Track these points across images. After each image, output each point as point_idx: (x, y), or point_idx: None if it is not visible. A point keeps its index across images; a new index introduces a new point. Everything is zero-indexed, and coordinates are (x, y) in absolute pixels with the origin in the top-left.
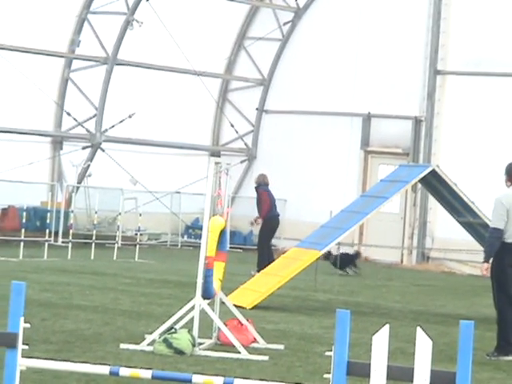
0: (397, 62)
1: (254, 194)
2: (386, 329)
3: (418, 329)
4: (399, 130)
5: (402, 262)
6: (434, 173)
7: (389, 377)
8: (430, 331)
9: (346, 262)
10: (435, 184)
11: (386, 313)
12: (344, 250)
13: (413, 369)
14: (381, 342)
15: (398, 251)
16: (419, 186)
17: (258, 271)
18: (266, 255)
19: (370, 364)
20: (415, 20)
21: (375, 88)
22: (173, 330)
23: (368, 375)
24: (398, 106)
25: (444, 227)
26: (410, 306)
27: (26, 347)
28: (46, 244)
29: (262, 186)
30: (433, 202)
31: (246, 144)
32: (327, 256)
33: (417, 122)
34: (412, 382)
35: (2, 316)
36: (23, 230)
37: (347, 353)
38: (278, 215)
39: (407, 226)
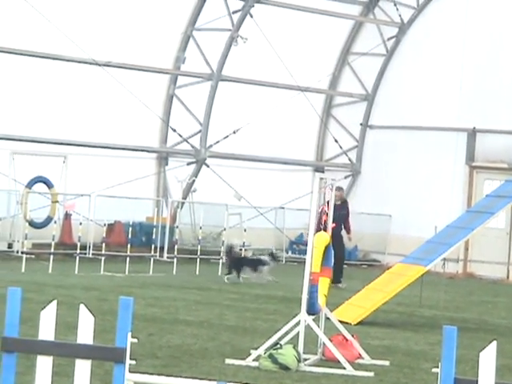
0: (502, 76)
1: (360, 209)
2: (493, 345)
3: None
4: (505, 144)
5: (507, 277)
6: None
7: None
8: None
9: (238, 265)
10: None
11: (492, 329)
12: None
13: None
14: (488, 358)
15: (504, 267)
16: None
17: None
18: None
19: (477, 381)
20: None
21: (480, 102)
22: (278, 346)
23: None
24: (504, 121)
25: None
26: None
27: (134, 362)
28: (152, 259)
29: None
30: None
31: (350, 159)
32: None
33: None
34: None
35: (109, 331)
36: (129, 246)
37: (454, 369)
38: None
39: None
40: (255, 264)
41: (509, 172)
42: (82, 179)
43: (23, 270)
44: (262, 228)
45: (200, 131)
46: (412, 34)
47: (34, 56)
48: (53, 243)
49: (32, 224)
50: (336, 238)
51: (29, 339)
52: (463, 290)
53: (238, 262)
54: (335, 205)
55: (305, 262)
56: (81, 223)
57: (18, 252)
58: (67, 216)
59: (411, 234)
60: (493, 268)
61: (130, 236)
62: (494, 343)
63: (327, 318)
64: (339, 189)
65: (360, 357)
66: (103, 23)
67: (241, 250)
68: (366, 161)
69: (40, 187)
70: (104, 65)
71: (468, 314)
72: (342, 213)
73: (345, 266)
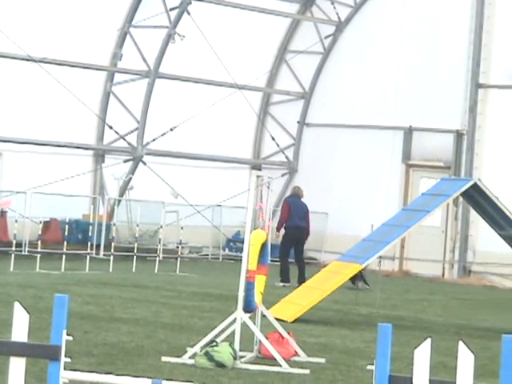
0: (438, 76)
1: None
2: (427, 343)
3: (460, 343)
4: (441, 143)
5: (443, 275)
6: (475, 186)
7: None
8: (471, 345)
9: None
10: (477, 198)
11: (427, 327)
12: None
13: (455, 383)
14: (423, 355)
15: (440, 265)
16: (461, 199)
17: (281, 281)
18: (285, 265)
19: (411, 378)
20: (457, 33)
21: (417, 101)
22: (214, 344)
23: None
24: (440, 120)
25: (486, 241)
26: (452, 320)
27: (69, 360)
28: (88, 257)
29: (287, 197)
30: (474, 215)
31: (287, 157)
32: None
33: (458, 135)
34: None
35: (45, 329)
36: (65, 243)
37: (389, 367)
38: (300, 226)
39: (449, 239)
40: None
41: (444, 170)
42: (17, 176)
43: None
44: (199, 226)
45: (137, 128)
46: (349, 32)
47: None
48: None
49: None
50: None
51: None
52: (399, 287)
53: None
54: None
55: (241, 260)
56: (16, 220)
57: None
58: (2, 213)
59: (348, 232)
60: (428, 266)
61: (66, 233)
62: (429, 340)
63: (263, 316)
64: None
65: (296, 354)
66: (39, 18)
67: (177, 247)
68: (303, 159)
69: None
70: (40, 61)
71: (404, 312)
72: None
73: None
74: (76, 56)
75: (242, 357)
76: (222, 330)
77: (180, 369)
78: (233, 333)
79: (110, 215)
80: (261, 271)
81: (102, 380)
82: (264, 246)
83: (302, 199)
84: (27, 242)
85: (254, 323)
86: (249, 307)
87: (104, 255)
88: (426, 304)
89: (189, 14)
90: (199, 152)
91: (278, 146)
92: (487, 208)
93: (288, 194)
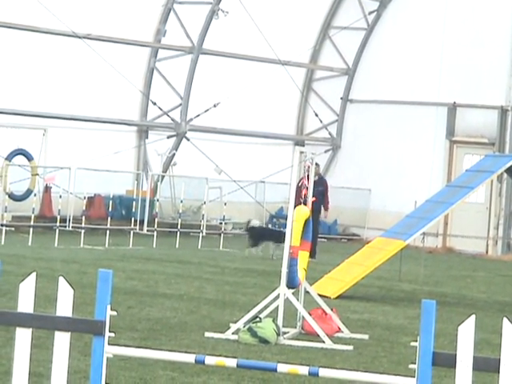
0: (483, 52)
1: (340, 184)
2: (471, 319)
3: (505, 319)
4: (485, 119)
5: (487, 252)
6: None
7: (474, 367)
8: None
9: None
10: None
11: (471, 303)
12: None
13: (499, 360)
14: (467, 332)
15: (484, 241)
16: (505, 176)
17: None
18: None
19: (455, 354)
20: (502, 10)
21: (461, 77)
22: (257, 319)
23: (454, 366)
24: (484, 96)
25: None
26: (496, 297)
27: (113, 335)
28: (132, 232)
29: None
30: None
31: (330, 133)
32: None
33: (503, 111)
34: (498, 372)
35: (89, 304)
36: (109, 219)
37: (433, 343)
38: None
39: (492, 216)
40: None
41: (488, 147)
42: (61, 152)
43: (3, 243)
44: (242, 202)
45: (180, 105)
46: (393, 8)
47: (13, 28)
48: (33, 216)
49: (12, 197)
50: (315, 213)
51: (8, 311)
52: (442, 264)
53: (259, 235)
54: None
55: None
56: (61, 196)
57: None
58: (47, 189)
59: (391, 208)
60: (472, 242)
61: (109, 209)
62: (473, 317)
63: (307, 292)
64: (315, 164)
65: (339, 330)
66: None
67: (220, 223)
68: (346, 135)
69: (20, 160)
70: (84, 37)
71: (447, 289)
72: (319, 189)
73: (324, 240)
74: (120, 32)
75: (285, 333)
76: (266, 306)
77: (223, 344)
78: (276, 309)
79: (154, 191)
80: (304, 247)
81: (146, 355)
82: (307, 222)
83: None
84: (71, 218)
85: (298, 299)
86: (292, 283)
87: (147, 231)
88: (470, 281)
89: None
90: (242, 128)
91: (321, 122)
92: None
93: (335, 171)
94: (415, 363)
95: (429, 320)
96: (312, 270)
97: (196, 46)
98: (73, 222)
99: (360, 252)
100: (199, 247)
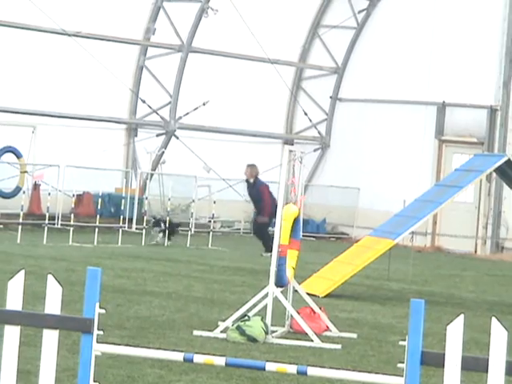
0: (472, 51)
1: (329, 182)
2: (460, 319)
3: (493, 319)
4: (474, 118)
5: (475, 251)
6: (509, 162)
7: (463, 367)
8: (504, 322)
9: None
10: (510, 174)
11: (459, 303)
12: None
13: (487, 359)
14: (455, 332)
15: (472, 241)
16: (494, 175)
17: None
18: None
19: (444, 354)
20: (491, 8)
21: (450, 76)
22: (246, 318)
23: (442, 365)
24: (473, 95)
25: None
26: (485, 296)
27: (101, 333)
28: (121, 230)
29: (260, 180)
30: (507, 191)
31: (319, 132)
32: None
33: (492, 110)
34: (487, 372)
35: (77, 301)
36: (98, 217)
37: (421, 342)
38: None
39: (481, 215)
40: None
41: (478, 146)
42: (50, 150)
43: None
44: (231, 200)
45: (170, 103)
46: (382, 7)
47: (1, 25)
48: (21, 213)
49: (0, 194)
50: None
51: None
52: (431, 263)
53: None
54: (247, 183)
55: (273, 235)
56: (49, 193)
57: None
58: (36, 186)
59: (380, 207)
60: (461, 242)
61: (98, 207)
62: (462, 317)
63: (295, 291)
64: (251, 166)
65: (328, 329)
66: None
67: (209, 221)
68: (336, 134)
69: (9, 157)
70: (73, 35)
71: (436, 288)
72: (253, 191)
73: (313, 238)
74: (109, 30)
75: (273, 331)
76: (254, 305)
77: (211, 343)
78: (264, 307)
79: (143, 189)
80: (293, 246)
81: (134, 353)
82: (296, 220)
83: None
84: (60, 215)
85: (286, 298)
86: (281, 282)
87: (136, 229)
88: (458, 280)
89: None
90: (231, 126)
91: (310, 120)
92: None
93: (324, 170)
94: (403, 362)
95: (417, 319)
96: (301, 269)
97: (185, 44)
98: (61, 220)
99: (349, 251)
100: (188, 245)
